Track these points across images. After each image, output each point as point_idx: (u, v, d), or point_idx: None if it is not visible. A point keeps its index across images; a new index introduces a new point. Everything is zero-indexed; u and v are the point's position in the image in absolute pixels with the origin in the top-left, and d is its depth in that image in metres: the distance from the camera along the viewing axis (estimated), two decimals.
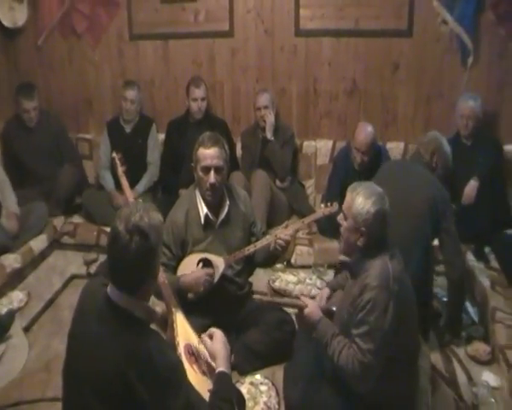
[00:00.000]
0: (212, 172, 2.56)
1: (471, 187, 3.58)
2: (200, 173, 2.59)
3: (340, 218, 2.17)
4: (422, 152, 2.86)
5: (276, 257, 2.83)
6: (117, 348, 1.51)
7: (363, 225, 2.04)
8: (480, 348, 2.74)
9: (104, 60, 4.51)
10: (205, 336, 1.92)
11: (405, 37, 4.11)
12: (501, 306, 2.86)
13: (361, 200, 2.05)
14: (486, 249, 3.40)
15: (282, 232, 2.64)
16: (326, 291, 2.58)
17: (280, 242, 2.62)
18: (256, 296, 2.69)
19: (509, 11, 3.82)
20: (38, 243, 3.83)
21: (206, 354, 1.93)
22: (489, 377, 2.56)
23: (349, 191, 2.14)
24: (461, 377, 2.62)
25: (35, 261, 3.79)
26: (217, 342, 1.86)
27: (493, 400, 2.43)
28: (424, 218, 2.64)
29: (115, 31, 4.43)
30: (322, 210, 2.72)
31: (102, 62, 4.52)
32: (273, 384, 2.51)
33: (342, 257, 3.31)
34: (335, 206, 2.66)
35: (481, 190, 3.57)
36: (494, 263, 3.25)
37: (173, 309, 2.26)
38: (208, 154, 2.57)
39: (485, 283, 3.03)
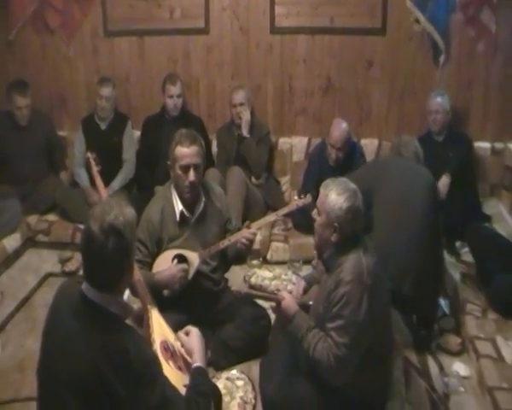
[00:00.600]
0: (192, 170, 2.57)
1: (443, 183, 3.66)
2: (179, 172, 2.59)
3: (314, 213, 2.20)
4: (404, 151, 2.95)
5: (244, 256, 2.85)
6: (92, 343, 1.50)
7: (336, 220, 2.07)
8: (451, 339, 2.80)
9: (78, 56, 4.45)
10: (181, 333, 1.93)
11: (379, 35, 4.17)
12: (471, 298, 2.94)
13: (333, 196, 2.09)
14: (457, 243, 3.48)
15: (245, 232, 2.66)
16: (302, 284, 2.61)
17: (243, 241, 2.64)
18: (234, 288, 2.70)
19: (476, 13, 3.92)
20: (12, 242, 3.77)
21: (182, 350, 1.94)
22: (459, 367, 2.63)
23: (322, 188, 2.17)
24: (433, 369, 2.68)
25: (8, 260, 3.73)
26: (193, 339, 1.87)
27: (463, 389, 2.50)
28: (430, 205, 2.76)
29: (90, 27, 4.38)
30: (295, 202, 2.74)
31: (77, 59, 4.46)
32: (249, 379, 2.53)
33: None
34: (309, 197, 2.69)
35: (453, 186, 3.66)
36: (465, 257, 3.32)
37: (148, 306, 2.25)
38: (187, 152, 2.57)
39: (456, 276, 3.10)
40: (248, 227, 2.67)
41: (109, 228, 1.50)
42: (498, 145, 4.08)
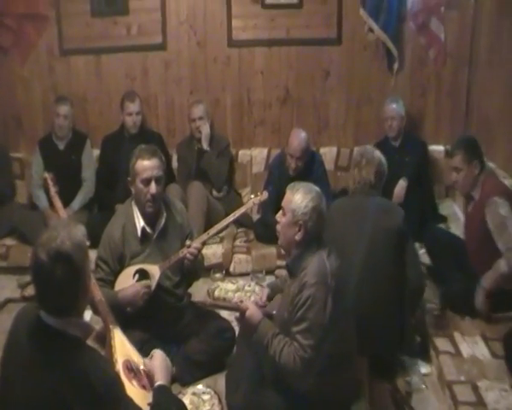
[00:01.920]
0: (153, 183, 2.58)
1: (400, 187, 3.76)
2: (140, 186, 2.60)
3: (278, 215, 2.26)
4: (365, 175, 2.73)
5: (195, 270, 2.80)
6: (51, 370, 1.49)
7: (301, 218, 2.14)
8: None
9: (34, 76, 4.38)
10: (145, 359, 1.94)
11: (335, 45, 4.28)
12: (429, 297, 3.01)
13: (300, 195, 2.17)
14: (416, 245, 3.57)
15: (191, 247, 2.64)
16: (266, 291, 2.64)
17: (190, 252, 2.62)
18: (199, 300, 2.67)
19: (426, 22, 4.07)
20: None
21: (146, 369, 1.94)
22: (420, 365, 2.70)
23: (289, 189, 2.24)
24: (395, 368, 2.72)
25: None
26: (155, 360, 1.88)
27: (424, 386, 2.57)
28: (395, 251, 2.62)
29: (45, 46, 4.33)
30: (252, 200, 2.76)
31: (32, 78, 4.38)
32: (215, 393, 2.53)
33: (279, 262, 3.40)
34: (265, 194, 2.73)
35: (410, 189, 3.76)
36: (423, 258, 3.41)
37: (111, 326, 2.24)
38: (148, 165, 2.59)
39: None
40: (189, 246, 2.64)
41: (56, 255, 1.48)
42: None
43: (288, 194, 2.23)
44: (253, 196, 2.80)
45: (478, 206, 2.95)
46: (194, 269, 2.77)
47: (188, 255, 2.62)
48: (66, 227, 1.55)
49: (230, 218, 2.77)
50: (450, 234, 3.49)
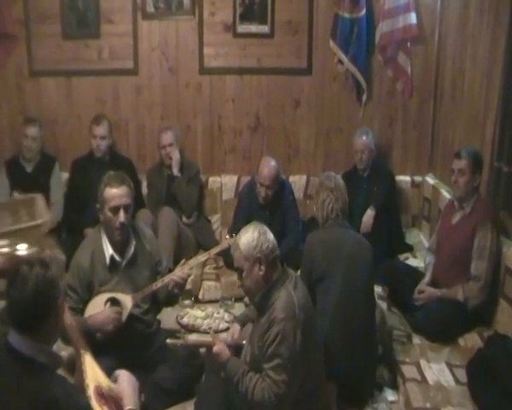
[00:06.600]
0: (122, 212, 2.56)
1: (368, 216, 3.83)
2: (109, 214, 2.57)
3: (237, 277, 2.25)
4: (340, 206, 2.78)
5: (177, 296, 2.85)
6: (21, 399, 1.46)
7: (257, 251, 2.15)
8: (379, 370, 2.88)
9: (2, 96, 4.31)
10: (112, 384, 1.91)
11: (305, 75, 4.36)
12: (396, 324, 3.06)
13: (243, 239, 2.19)
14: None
15: (179, 271, 2.68)
16: (236, 329, 2.64)
17: (176, 279, 2.66)
18: (169, 341, 2.67)
19: (394, 56, 4.21)
20: None
21: (113, 394, 1.92)
22: (388, 392, 2.72)
23: (232, 250, 2.24)
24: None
25: None
26: (122, 383, 1.86)
27: None
28: (371, 282, 2.76)
29: (13, 66, 4.28)
30: (227, 241, 2.79)
31: (0, 99, 4.32)
32: None
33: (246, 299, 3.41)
34: None
35: (377, 219, 3.83)
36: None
37: (81, 351, 2.20)
38: (116, 193, 2.56)
39: (383, 305, 3.21)
40: (183, 265, 2.68)
41: (34, 260, 1.55)
42: (417, 179, 4.35)
43: (233, 252, 2.22)
44: (228, 236, 2.86)
45: (468, 222, 3.02)
46: (177, 295, 2.82)
47: (178, 279, 2.65)
48: (48, 245, 1.62)
49: (204, 256, 2.82)
50: (406, 264, 3.61)
